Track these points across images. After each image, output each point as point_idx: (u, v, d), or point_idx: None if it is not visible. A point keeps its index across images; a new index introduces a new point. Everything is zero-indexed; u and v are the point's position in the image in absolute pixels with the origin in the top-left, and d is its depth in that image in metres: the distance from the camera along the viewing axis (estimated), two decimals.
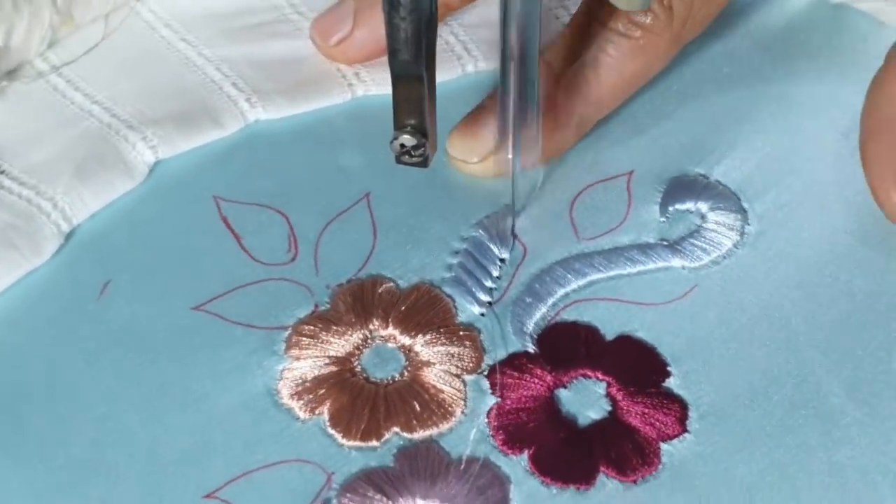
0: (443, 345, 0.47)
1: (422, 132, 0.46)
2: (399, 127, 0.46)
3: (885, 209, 0.50)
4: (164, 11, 0.57)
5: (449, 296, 0.49)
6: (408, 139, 0.46)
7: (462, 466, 0.45)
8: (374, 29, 0.53)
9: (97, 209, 0.51)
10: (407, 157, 0.46)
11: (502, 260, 0.50)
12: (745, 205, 0.52)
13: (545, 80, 0.50)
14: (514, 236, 0.50)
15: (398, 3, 0.42)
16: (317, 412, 0.46)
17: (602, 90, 0.50)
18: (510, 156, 0.49)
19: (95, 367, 0.46)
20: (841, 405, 0.47)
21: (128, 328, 0.47)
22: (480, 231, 0.51)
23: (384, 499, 0.43)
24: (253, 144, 0.53)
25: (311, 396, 0.46)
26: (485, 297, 0.49)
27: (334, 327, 0.48)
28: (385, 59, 0.54)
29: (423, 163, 0.47)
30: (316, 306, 0.48)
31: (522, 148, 0.49)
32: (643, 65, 0.50)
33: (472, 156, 0.51)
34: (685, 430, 0.46)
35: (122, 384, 0.46)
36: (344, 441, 0.45)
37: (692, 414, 0.46)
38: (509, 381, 0.47)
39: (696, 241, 0.51)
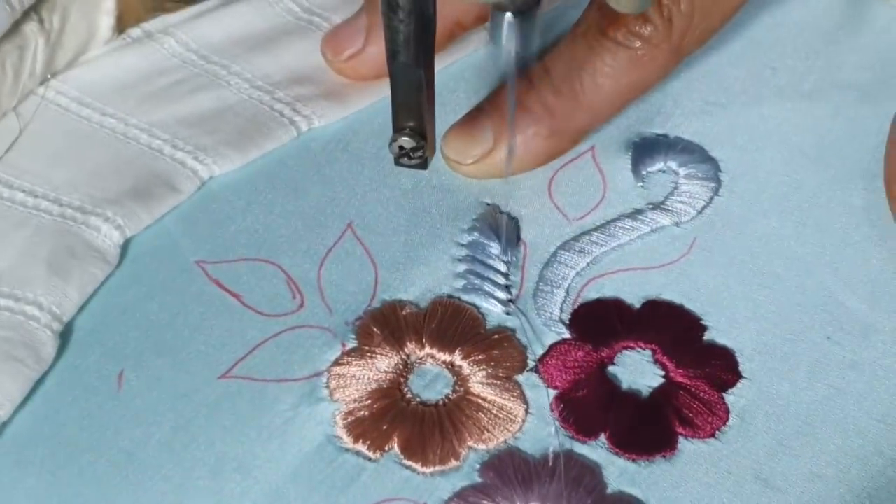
0: (483, 352, 0.47)
1: (421, 134, 0.45)
2: (398, 129, 0.45)
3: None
4: (75, 90, 0.54)
5: (470, 303, 0.48)
6: (407, 141, 0.45)
7: (550, 464, 0.44)
8: None
9: (82, 302, 0.48)
10: (406, 159, 0.46)
11: (507, 261, 0.49)
12: (712, 153, 0.53)
13: (542, 86, 0.50)
14: (519, 237, 0.50)
15: (397, 6, 0.41)
16: (387, 448, 0.44)
17: (599, 99, 0.50)
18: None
19: (143, 461, 0.44)
20: (871, 319, 0.48)
21: (160, 413, 0.45)
22: (475, 233, 0.50)
23: None
24: (215, 201, 0.51)
25: (375, 434, 0.45)
26: (505, 296, 0.48)
27: (371, 361, 0.46)
28: (323, 87, 0.54)
29: (422, 165, 0.46)
30: (343, 345, 0.47)
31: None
32: (641, 76, 0.50)
33: (467, 157, 0.50)
34: (740, 377, 0.46)
35: (177, 471, 0.44)
36: (424, 469, 0.44)
37: (740, 359, 0.47)
38: (560, 371, 0.46)
39: (678, 198, 0.52)
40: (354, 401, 0.45)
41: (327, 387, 0.46)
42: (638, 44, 0.49)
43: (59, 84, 0.54)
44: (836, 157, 0.53)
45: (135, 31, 0.56)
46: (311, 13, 0.58)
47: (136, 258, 0.50)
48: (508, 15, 0.42)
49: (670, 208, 0.51)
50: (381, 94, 0.55)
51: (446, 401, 0.46)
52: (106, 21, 0.55)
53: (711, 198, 0.52)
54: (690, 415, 0.45)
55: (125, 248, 0.50)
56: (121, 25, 0.56)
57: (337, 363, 0.46)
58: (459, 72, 0.56)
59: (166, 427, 0.45)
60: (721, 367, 0.47)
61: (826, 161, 0.53)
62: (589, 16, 0.50)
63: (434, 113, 0.45)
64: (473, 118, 0.51)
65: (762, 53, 0.57)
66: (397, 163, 0.46)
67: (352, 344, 0.47)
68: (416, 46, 0.42)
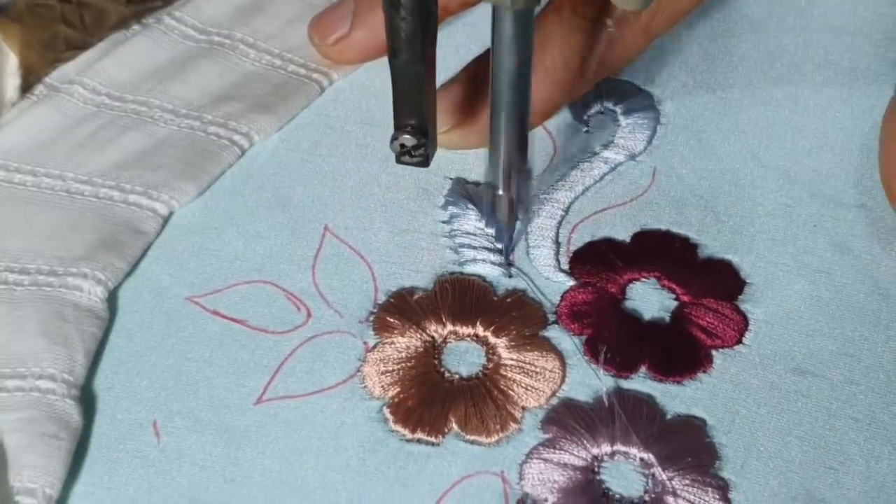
0: (502, 316, 0.47)
1: (422, 132, 0.45)
2: (399, 127, 0.45)
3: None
4: None
5: (472, 274, 0.49)
6: (408, 139, 0.45)
7: (606, 405, 0.45)
8: (372, 30, 0.51)
9: (90, 364, 0.46)
10: (407, 157, 0.46)
11: (492, 225, 0.50)
12: (645, 88, 0.55)
13: None
14: (519, 204, 0.50)
15: (398, 4, 0.41)
16: (446, 429, 0.45)
17: (569, 76, 0.50)
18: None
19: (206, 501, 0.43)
20: (845, 201, 0.51)
21: (207, 451, 0.44)
22: (452, 207, 0.51)
23: (573, 454, 0.43)
24: (185, 235, 0.50)
25: (431, 419, 0.45)
26: (501, 258, 0.49)
27: (399, 351, 0.46)
28: (249, 102, 0.53)
29: (424, 162, 0.46)
30: (365, 343, 0.47)
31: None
32: (610, 55, 0.51)
33: (442, 125, 0.50)
34: (744, 283, 0.48)
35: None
36: (489, 440, 0.45)
37: (738, 268, 0.49)
38: (579, 317, 0.47)
39: (626, 134, 0.53)
40: (398, 393, 0.45)
41: (364, 386, 0.46)
42: (609, 22, 0.50)
43: None
44: (748, 61, 0.55)
45: (38, 88, 0.54)
46: (208, 34, 0.57)
47: (125, 309, 0.48)
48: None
49: (621, 145, 0.53)
50: (308, 100, 0.55)
51: (486, 371, 0.46)
52: (12, 83, 0.54)
53: (655, 127, 0.54)
54: (713, 327, 0.47)
55: (111, 301, 0.48)
56: (24, 84, 0.54)
57: (366, 362, 0.46)
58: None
59: (219, 465, 0.44)
60: (725, 278, 0.48)
61: (744, 66, 0.55)
62: None
63: (435, 110, 0.46)
64: (442, 91, 0.51)
65: None
66: (399, 161, 0.46)
67: (373, 340, 0.47)
68: (417, 44, 0.42)
